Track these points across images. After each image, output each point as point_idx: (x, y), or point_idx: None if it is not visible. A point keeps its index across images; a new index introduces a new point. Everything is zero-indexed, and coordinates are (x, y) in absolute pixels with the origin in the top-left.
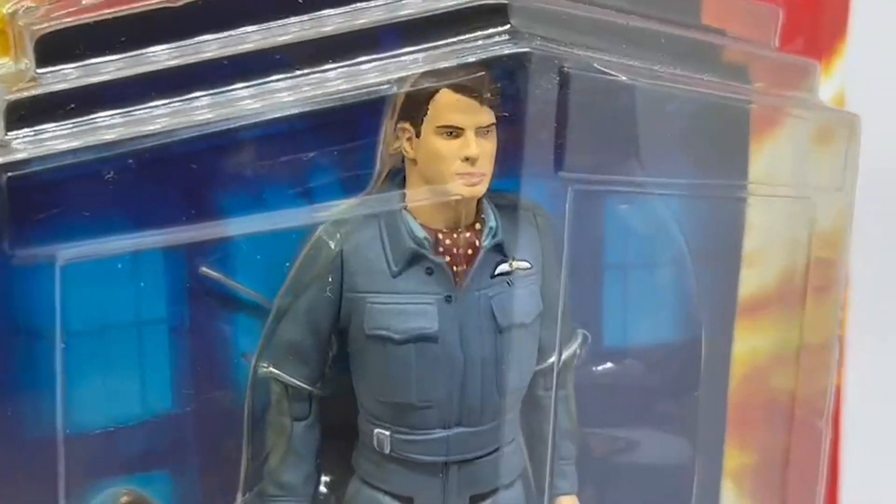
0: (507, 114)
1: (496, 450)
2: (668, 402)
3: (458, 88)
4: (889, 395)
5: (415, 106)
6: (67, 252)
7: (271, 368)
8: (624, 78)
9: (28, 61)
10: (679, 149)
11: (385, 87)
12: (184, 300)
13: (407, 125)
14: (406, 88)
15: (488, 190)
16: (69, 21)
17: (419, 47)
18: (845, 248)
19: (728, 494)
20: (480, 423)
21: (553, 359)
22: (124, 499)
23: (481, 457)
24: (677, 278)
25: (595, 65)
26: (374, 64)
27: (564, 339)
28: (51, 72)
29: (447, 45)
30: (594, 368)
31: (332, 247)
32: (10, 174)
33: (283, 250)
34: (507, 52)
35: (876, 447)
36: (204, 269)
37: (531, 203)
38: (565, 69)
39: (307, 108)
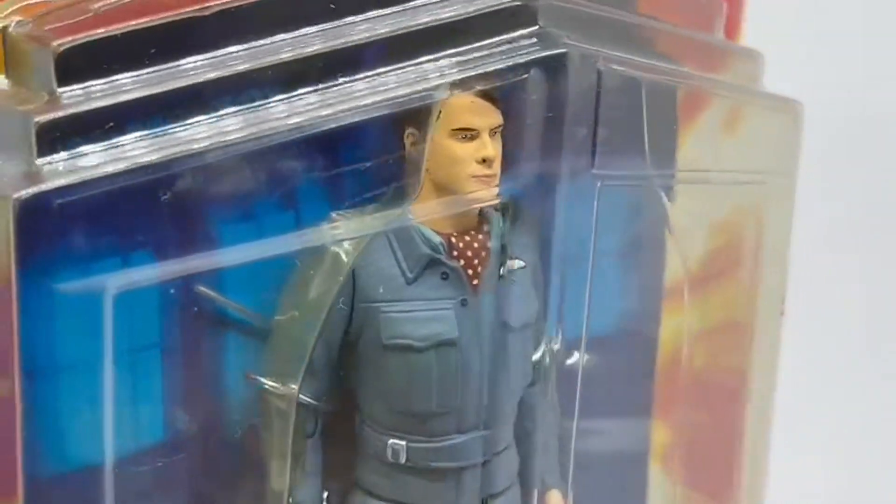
0: (550, 114)
1: (504, 449)
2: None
3: (469, 90)
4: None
5: (421, 111)
6: (117, 281)
7: (276, 384)
8: (645, 75)
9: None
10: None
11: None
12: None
13: (411, 129)
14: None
15: None
16: (91, 34)
17: (448, 52)
18: (786, 232)
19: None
20: (494, 425)
21: (537, 354)
22: None
23: (492, 458)
24: (619, 269)
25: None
26: (399, 73)
27: (540, 335)
28: (76, 89)
29: (480, 48)
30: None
31: (344, 259)
32: (59, 201)
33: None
34: (545, 53)
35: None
36: (200, 288)
37: (510, 201)
38: (600, 68)
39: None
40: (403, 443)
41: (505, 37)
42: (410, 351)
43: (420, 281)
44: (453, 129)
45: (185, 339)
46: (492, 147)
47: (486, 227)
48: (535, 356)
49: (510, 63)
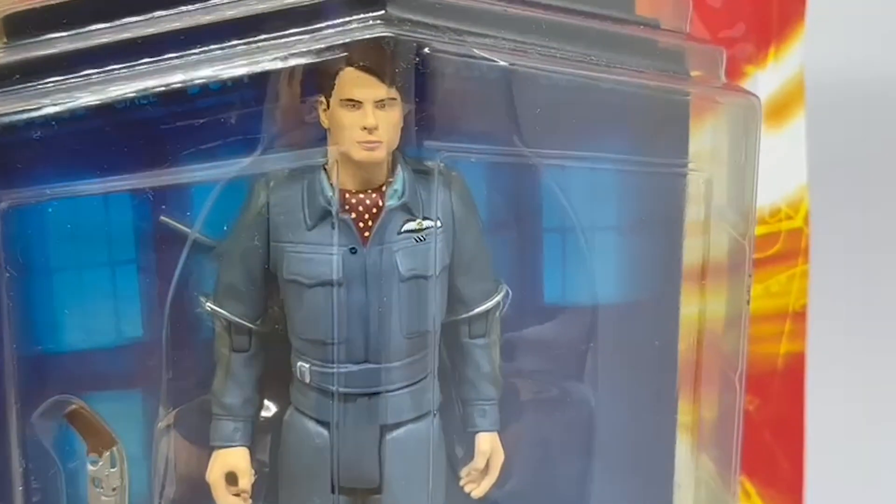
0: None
1: (406, 386)
2: (602, 358)
3: (358, 66)
4: (850, 366)
5: (325, 81)
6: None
7: (213, 306)
8: (497, 60)
9: None
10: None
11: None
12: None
13: (322, 98)
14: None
15: (401, 156)
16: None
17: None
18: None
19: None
20: (388, 361)
21: (480, 308)
22: (72, 407)
23: (391, 391)
24: (616, 243)
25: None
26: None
27: (487, 292)
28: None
29: (318, 30)
30: (535, 323)
31: (262, 199)
32: None
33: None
34: (367, 35)
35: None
36: (164, 218)
37: (445, 168)
38: (425, 51)
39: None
40: (308, 366)
41: (348, 19)
42: (302, 286)
43: (318, 228)
44: (342, 100)
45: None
46: (372, 117)
47: (384, 188)
48: (475, 310)
49: (331, 43)
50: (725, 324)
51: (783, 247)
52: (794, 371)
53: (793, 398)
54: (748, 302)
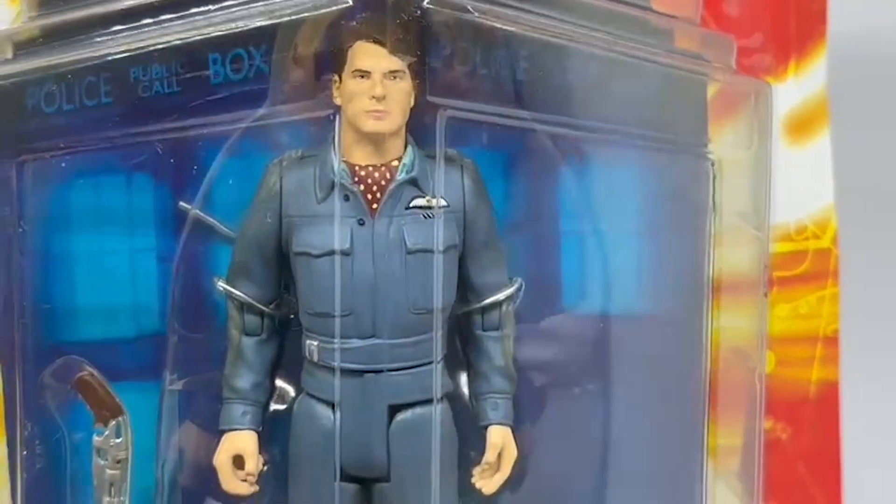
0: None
1: (418, 366)
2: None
3: (368, 38)
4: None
5: (339, 59)
6: None
7: (226, 286)
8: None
9: None
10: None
11: None
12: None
13: (334, 76)
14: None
15: (411, 137)
16: None
17: None
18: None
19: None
20: (394, 337)
21: (492, 299)
22: (81, 375)
23: (398, 370)
24: (638, 249)
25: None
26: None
27: (500, 283)
28: None
29: None
30: (553, 325)
31: (275, 178)
32: None
33: None
34: None
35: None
36: (183, 204)
37: (459, 154)
38: (425, 4)
39: None
40: (316, 343)
41: None
42: (310, 257)
43: (328, 201)
44: (353, 71)
45: None
46: (381, 87)
47: (395, 163)
48: (487, 300)
49: None
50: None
51: (811, 266)
52: (827, 399)
53: (827, 429)
54: (766, 294)
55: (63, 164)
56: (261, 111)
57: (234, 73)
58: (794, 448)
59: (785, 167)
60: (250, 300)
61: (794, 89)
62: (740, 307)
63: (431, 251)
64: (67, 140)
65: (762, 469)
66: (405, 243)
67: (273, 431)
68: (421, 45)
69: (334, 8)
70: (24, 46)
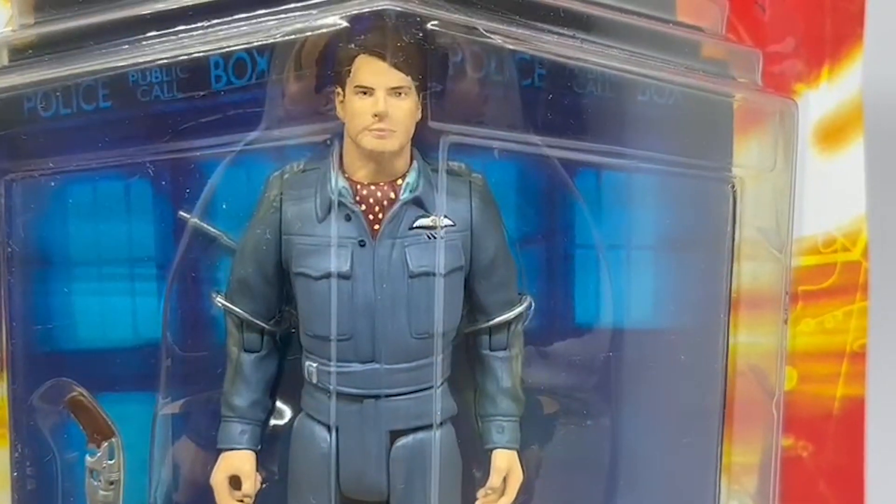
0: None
1: (419, 390)
2: (638, 384)
3: (371, 53)
4: None
5: (341, 72)
6: None
7: (225, 302)
8: (504, 42)
9: None
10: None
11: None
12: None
13: (338, 89)
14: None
15: (418, 152)
16: None
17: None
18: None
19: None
20: (394, 362)
21: (500, 318)
22: (73, 395)
23: (399, 395)
24: (656, 264)
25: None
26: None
27: (509, 302)
28: None
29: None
30: (564, 342)
31: (275, 192)
32: None
33: None
34: (366, 9)
35: None
36: (182, 214)
37: (467, 169)
38: (428, 26)
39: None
40: (315, 364)
41: None
42: (309, 279)
43: (328, 220)
44: (355, 86)
45: None
46: (384, 104)
47: (399, 182)
48: (495, 320)
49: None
50: (764, 353)
51: (839, 280)
52: (852, 416)
53: (851, 446)
54: (786, 321)
55: (53, 183)
56: (255, 134)
57: (236, 77)
58: (815, 465)
59: (815, 178)
60: (249, 317)
61: (827, 95)
62: (759, 324)
63: (435, 274)
64: (62, 153)
65: (780, 486)
66: (408, 266)
67: (272, 447)
68: (423, 67)
69: (331, 30)
70: (20, 54)
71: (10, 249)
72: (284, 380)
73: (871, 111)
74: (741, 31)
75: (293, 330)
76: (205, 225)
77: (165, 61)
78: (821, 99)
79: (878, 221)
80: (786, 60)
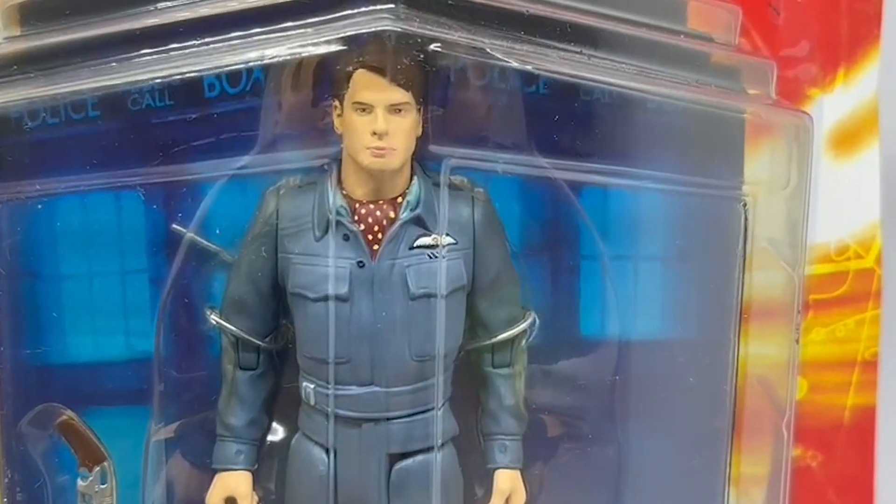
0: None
1: (418, 413)
2: (643, 398)
3: (370, 68)
4: None
5: (339, 84)
6: None
7: (220, 319)
8: (509, 60)
9: None
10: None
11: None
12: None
13: (335, 102)
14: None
15: (419, 167)
16: None
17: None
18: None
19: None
20: (394, 385)
21: (504, 335)
22: (63, 418)
23: (398, 417)
24: (662, 275)
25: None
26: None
27: (513, 318)
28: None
29: (319, 23)
30: (570, 356)
31: (271, 208)
32: None
33: None
34: (366, 29)
35: None
36: (175, 227)
37: (470, 184)
38: (430, 48)
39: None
40: (312, 386)
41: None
42: (307, 301)
43: (326, 240)
44: (353, 103)
45: None
46: (383, 122)
47: (399, 200)
48: (499, 336)
49: (330, 37)
50: (773, 364)
51: (851, 288)
52: (863, 425)
53: (861, 455)
54: (797, 341)
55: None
56: (248, 158)
57: (230, 86)
58: (825, 475)
59: (828, 184)
60: (245, 335)
61: (842, 99)
62: (769, 335)
63: (437, 295)
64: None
65: (790, 497)
66: (408, 288)
67: (269, 464)
68: (424, 84)
69: (329, 50)
70: (4, 70)
71: None
72: (280, 398)
73: (886, 115)
74: (754, 35)
75: (290, 345)
76: (199, 239)
77: (158, 81)
78: (835, 103)
79: (893, 228)
80: (800, 65)
